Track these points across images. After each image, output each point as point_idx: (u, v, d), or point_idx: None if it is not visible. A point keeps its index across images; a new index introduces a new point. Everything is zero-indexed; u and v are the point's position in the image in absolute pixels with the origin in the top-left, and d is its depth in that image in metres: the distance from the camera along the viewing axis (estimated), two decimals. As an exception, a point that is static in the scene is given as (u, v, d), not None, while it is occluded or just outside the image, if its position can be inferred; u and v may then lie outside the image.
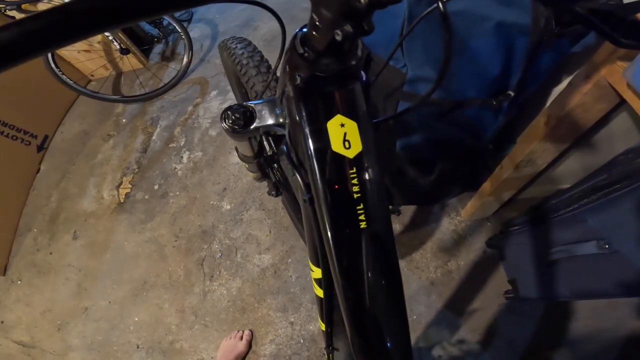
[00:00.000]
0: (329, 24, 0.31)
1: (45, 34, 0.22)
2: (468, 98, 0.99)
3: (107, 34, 2.08)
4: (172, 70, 2.33)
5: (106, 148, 2.14)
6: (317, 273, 0.65)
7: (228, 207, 1.69)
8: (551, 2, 0.61)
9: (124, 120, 2.23)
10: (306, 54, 0.38)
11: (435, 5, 0.38)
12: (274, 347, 1.36)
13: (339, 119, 0.41)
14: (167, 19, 2.35)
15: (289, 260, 1.49)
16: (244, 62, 1.00)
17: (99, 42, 2.27)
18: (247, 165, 1.02)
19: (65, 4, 0.22)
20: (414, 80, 1.01)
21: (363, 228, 0.42)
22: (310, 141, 0.41)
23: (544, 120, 0.83)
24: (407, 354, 0.47)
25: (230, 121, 0.60)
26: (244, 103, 0.63)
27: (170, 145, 2.00)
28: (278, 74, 0.53)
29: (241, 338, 1.37)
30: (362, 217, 0.42)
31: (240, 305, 1.45)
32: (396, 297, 0.46)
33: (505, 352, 1.17)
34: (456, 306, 1.27)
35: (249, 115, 0.61)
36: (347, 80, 0.41)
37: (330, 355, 0.80)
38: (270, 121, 0.60)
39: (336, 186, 0.41)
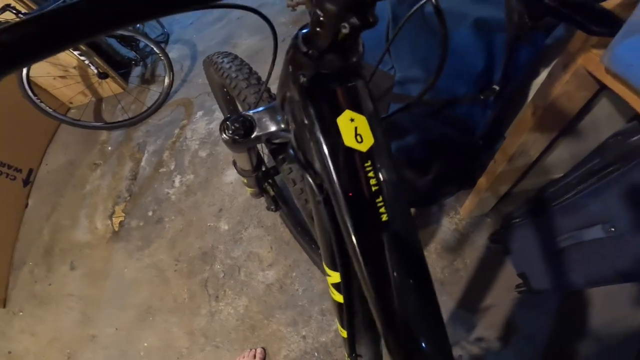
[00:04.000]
0: (334, 18, 0.32)
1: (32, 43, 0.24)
2: (456, 95, 1.04)
3: (83, 57, 2.06)
4: (154, 92, 2.34)
5: (94, 177, 2.14)
6: (334, 278, 0.63)
7: (226, 227, 1.71)
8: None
9: (109, 148, 2.23)
10: (310, 52, 0.39)
11: (420, 4, 0.43)
12: (289, 363, 1.37)
13: (348, 114, 0.41)
14: (143, 41, 2.33)
15: (294, 274, 1.52)
16: (233, 75, 0.99)
17: (75, 67, 2.25)
18: (245, 180, 1.02)
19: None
20: (403, 82, 1.06)
21: (385, 221, 0.42)
22: (322, 139, 0.41)
23: (530, 112, 0.88)
24: (447, 353, 0.46)
25: (230, 131, 0.59)
26: (243, 113, 0.63)
27: (160, 170, 2.01)
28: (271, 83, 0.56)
29: (254, 357, 1.39)
30: (382, 210, 0.42)
31: (250, 323, 1.47)
32: (427, 293, 0.45)
33: (525, 347, 1.21)
34: (469, 305, 1.31)
35: (249, 125, 0.61)
36: (351, 76, 0.42)
37: (355, 363, 0.79)
38: (273, 128, 0.60)
39: (353, 181, 0.41)
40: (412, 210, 1.50)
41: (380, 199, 0.42)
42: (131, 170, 2.07)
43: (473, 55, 0.97)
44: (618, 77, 0.63)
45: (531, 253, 1.13)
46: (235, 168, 0.93)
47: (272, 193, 1.24)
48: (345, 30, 0.33)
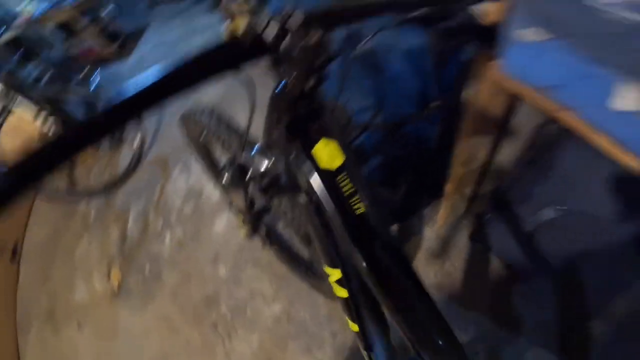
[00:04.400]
0: (301, 79, 0.49)
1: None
2: (404, 116, 1.22)
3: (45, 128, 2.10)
4: (126, 154, 2.41)
5: (82, 245, 2.20)
6: (335, 274, 0.74)
7: (224, 271, 1.82)
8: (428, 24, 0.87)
9: (92, 216, 2.29)
10: (288, 100, 0.54)
11: (363, 43, 0.63)
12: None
13: (323, 141, 0.57)
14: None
15: (298, 303, 1.64)
16: (214, 127, 1.06)
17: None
18: (241, 219, 1.16)
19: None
20: (358, 112, 1.22)
21: (361, 213, 0.58)
22: (308, 163, 0.57)
23: (468, 120, 1.04)
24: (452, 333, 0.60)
25: (229, 176, 0.74)
26: (233, 160, 0.77)
27: (148, 230, 2.10)
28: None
29: None
30: (358, 205, 0.58)
31: (266, 356, 1.57)
32: (412, 276, 0.61)
33: (537, 333, 1.32)
34: (470, 303, 1.44)
35: (244, 169, 0.75)
36: (320, 112, 0.58)
37: (371, 355, 0.86)
38: (263, 168, 0.74)
39: (334, 189, 0.57)
40: (395, 226, 1.66)
41: (357, 197, 0.58)
42: (119, 234, 2.14)
43: (409, 79, 1.17)
44: (516, 81, 0.79)
45: (508, 244, 1.27)
46: (233, 209, 1.03)
47: (264, 230, 1.38)
48: (310, 84, 0.51)
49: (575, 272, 1.24)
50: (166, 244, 2.02)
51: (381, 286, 0.60)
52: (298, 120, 0.57)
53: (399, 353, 0.88)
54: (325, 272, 0.77)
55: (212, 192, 2.10)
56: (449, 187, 1.37)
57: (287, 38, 0.45)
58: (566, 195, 0.99)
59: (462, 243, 1.56)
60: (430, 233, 1.62)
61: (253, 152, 0.76)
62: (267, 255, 1.79)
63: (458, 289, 1.49)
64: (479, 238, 1.49)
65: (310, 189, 0.58)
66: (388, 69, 1.18)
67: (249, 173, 0.75)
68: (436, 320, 0.60)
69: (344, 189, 0.58)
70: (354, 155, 0.60)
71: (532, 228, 1.14)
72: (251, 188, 0.94)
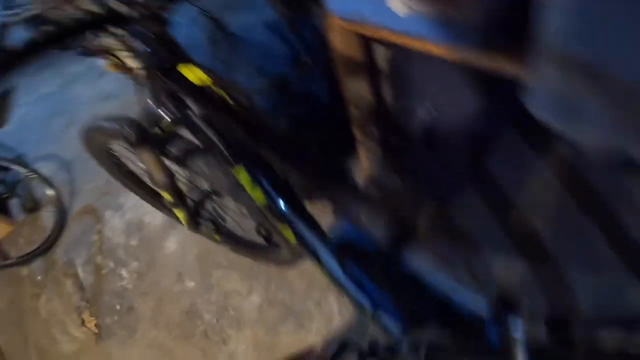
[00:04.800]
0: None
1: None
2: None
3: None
4: (48, 214, 2.32)
5: (44, 304, 2.13)
6: (242, 174, 0.87)
7: (193, 284, 1.86)
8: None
9: (39, 277, 2.23)
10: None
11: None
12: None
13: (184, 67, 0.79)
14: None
15: (273, 287, 1.70)
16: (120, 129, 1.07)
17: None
18: (181, 213, 1.26)
19: None
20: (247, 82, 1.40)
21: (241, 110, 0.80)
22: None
23: (338, 64, 1.14)
24: None
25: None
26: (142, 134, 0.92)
27: (102, 273, 2.09)
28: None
29: None
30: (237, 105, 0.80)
31: (266, 347, 1.65)
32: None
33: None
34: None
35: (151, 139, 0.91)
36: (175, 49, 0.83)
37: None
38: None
39: (211, 98, 0.80)
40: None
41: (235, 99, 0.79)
42: (74, 286, 2.12)
43: (276, 46, 1.34)
44: (346, 20, 0.89)
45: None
46: (152, 181, 1.09)
47: (207, 217, 1.45)
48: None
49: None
50: (126, 279, 2.03)
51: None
52: (163, 68, 0.75)
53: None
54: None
55: (152, 218, 2.10)
56: (356, 132, 1.39)
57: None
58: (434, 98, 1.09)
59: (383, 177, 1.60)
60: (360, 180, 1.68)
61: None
62: (226, 255, 1.86)
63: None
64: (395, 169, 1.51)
65: (191, 104, 0.77)
66: (258, 42, 1.38)
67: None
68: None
69: (221, 96, 0.75)
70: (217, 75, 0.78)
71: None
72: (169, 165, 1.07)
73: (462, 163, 1.14)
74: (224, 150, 0.83)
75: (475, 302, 0.69)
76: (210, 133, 0.82)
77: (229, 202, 1.50)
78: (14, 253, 2.32)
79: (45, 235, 2.23)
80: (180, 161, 1.05)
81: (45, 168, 2.47)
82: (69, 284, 2.11)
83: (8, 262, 2.19)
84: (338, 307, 1.60)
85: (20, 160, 2.49)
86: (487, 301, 0.68)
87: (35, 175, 2.18)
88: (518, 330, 0.63)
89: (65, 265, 2.17)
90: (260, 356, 1.66)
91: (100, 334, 1.94)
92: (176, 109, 0.84)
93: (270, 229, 1.25)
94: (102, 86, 2.77)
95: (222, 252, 1.86)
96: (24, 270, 2.26)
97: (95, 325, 1.97)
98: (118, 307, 1.96)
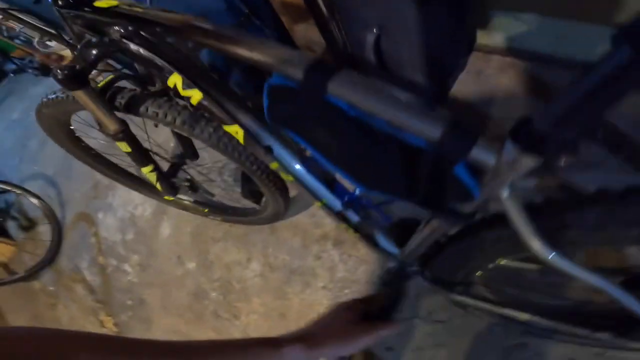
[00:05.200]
0: None
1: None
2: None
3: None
4: (45, 228, 2.30)
5: (62, 312, 2.16)
6: (177, 80, 0.81)
7: (193, 264, 1.80)
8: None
9: (51, 288, 2.23)
10: None
11: None
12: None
13: None
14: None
15: (270, 251, 1.62)
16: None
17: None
18: (156, 182, 1.24)
19: None
20: None
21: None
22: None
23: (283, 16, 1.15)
24: None
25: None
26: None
27: (108, 272, 2.05)
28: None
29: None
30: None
31: (277, 314, 1.59)
32: None
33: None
34: None
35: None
36: None
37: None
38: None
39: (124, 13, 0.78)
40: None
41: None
42: (85, 289, 2.11)
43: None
44: None
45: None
46: (101, 130, 1.02)
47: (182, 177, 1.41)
48: None
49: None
50: (130, 274, 1.99)
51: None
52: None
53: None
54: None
55: (142, 210, 2.05)
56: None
57: None
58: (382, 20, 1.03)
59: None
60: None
61: None
62: (219, 227, 1.79)
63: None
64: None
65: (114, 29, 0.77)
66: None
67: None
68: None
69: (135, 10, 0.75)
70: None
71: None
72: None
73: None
74: (160, 63, 0.79)
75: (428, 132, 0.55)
76: (139, 49, 0.78)
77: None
78: (22, 269, 2.32)
79: (46, 247, 2.21)
80: (130, 108, 1.01)
81: (32, 187, 2.42)
82: (79, 289, 2.10)
83: (18, 276, 2.20)
84: (339, 255, 1.49)
85: (7, 185, 2.47)
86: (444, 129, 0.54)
87: (25, 196, 2.16)
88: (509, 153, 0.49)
89: (72, 271, 2.16)
90: (274, 323, 1.59)
91: (120, 332, 1.93)
92: (99, 37, 0.80)
93: (253, 167, 1.17)
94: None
95: (214, 226, 1.78)
96: (37, 285, 2.26)
97: (114, 324, 1.96)
98: (130, 302, 1.93)
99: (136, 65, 0.95)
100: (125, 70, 1.08)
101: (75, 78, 0.82)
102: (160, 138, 1.36)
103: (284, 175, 0.90)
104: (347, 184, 0.88)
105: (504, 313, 0.91)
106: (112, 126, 0.99)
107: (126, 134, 1.04)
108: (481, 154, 0.54)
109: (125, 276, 1.98)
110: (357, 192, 0.90)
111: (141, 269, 1.94)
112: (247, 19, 1.24)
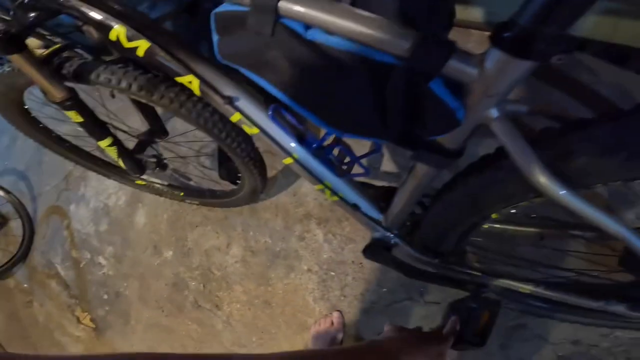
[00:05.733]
0: None
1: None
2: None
3: None
4: (17, 223, 2.17)
5: (38, 310, 2.05)
6: (142, 46, 0.75)
7: (170, 253, 1.71)
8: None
9: (25, 285, 2.11)
10: None
11: None
12: (323, 302, 1.40)
13: None
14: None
15: (250, 234, 1.52)
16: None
17: None
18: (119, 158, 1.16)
19: None
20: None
21: None
22: None
23: None
24: None
25: None
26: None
27: (81, 266, 1.94)
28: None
29: (332, 323, 1.35)
30: None
31: (261, 301, 1.50)
32: None
33: None
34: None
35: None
36: None
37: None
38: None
39: None
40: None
41: None
42: (59, 284, 1.99)
43: None
44: None
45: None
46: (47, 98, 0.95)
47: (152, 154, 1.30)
48: None
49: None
50: (105, 266, 1.88)
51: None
52: None
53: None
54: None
55: (115, 199, 1.93)
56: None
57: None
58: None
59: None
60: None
61: None
62: (198, 214, 1.68)
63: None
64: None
65: None
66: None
67: None
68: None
69: None
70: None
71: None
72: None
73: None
74: (101, 16, 0.71)
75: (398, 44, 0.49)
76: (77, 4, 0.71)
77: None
78: (-6, 266, 2.23)
79: (18, 242, 2.09)
80: (80, 76, 0.91)
81: (3, 183, 2.29)
82: (54, 285, 1.98)
83: (-6, 276, 2.06)
84: (323, 235, 1.39)
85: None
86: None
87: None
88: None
89: (46, 267, 2.04)
90: (258, 312, 1.49)
91: (97, 328, 1.83)
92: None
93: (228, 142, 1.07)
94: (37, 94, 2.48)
95: (192, 211, 1.67)
96: (11, 282, 2.14)
97: (91, 320, 1.85)
98: (105, 296, 1.82)
99: (84, 30, 0.86)
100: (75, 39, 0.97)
101: (10, 41, 0.76)
102: (130, 120, 1.26)
103: (247, 129, 0.79)
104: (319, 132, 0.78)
105: (504, 285, 0.79)
106: (58, 94, 0.92)
107: (75, 102, 0.97)
108: (460, 65, 0.48)
109: (100, 269, 1.86)
110: (328, 138, 0.79)
111: (116, 260, 1.83)
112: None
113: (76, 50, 0.95)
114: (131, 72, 0.91)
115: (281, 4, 0.50)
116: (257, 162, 1.20)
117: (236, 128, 1.02)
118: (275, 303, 1.46)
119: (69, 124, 1.07)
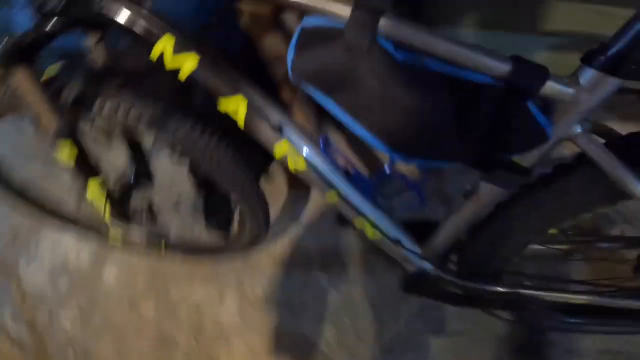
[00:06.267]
0: None
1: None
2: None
3: None
4: None
5: None
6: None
7: (151, 308, 1.59)
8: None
9: None
10: None
11: None
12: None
13: None
14: None
15: (246, 283, 1.50)
16: None
17: None
18: (104, 206, 1.05)
19: None
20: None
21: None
22: None
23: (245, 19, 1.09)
24: None
25: None
26: None
27: (39, 331, 1.70)
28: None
29: None
30: None
31: (265, 352, 1.41)
32: None
33: None
34: None
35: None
36: None
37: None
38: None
39: None
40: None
41: None
42: (12, 346, 1.69)
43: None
44: None
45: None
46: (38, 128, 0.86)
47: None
48: None
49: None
50: (69, 330, 1.67)
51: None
52: None
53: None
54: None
55: (78, 251, 1.74)
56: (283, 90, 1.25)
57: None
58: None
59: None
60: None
61: None
62: (180, 265, 1.59)
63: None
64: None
65: None
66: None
67: None
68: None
69: None
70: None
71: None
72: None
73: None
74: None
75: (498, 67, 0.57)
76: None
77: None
78: None
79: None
80: (80, 101, 0.82)
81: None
82: (6, 347, 1.69)
83: None
84: (328, 279, 1.36)
85: None
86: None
87: None
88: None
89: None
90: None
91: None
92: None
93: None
94: None
95: (173, 264, 1.59)
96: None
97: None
98: (72, 355, 1.61)
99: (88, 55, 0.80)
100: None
101: (22, 52, 0.68)
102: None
103: (291, 164, 0.76)
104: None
105: (554, 298, 0.83)
106: (54, 120, 0.82)
107: (75, 129, 0.88)
108: (557, 85, 0.55)
109: (63, 332, 1.65)
110: (387, 169, 0.80)
111: (83, 322, 1.65)
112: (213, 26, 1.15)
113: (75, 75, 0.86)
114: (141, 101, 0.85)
115: (382, 22, 0.54)
116: (262, 200, 1.17)
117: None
118: (283, 352, 1.41)
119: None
